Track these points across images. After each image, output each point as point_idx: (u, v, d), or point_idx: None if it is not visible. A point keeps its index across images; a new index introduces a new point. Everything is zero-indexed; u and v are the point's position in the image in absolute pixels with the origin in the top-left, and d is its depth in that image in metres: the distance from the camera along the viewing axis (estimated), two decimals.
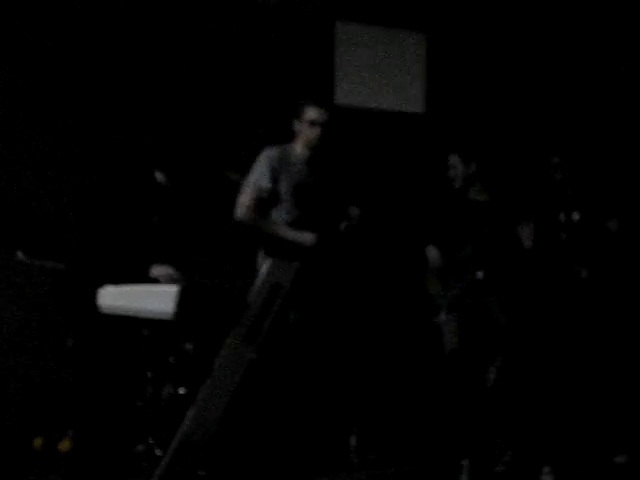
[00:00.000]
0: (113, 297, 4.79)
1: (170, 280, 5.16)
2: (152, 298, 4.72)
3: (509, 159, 7.58)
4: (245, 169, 5.83)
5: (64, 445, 5.78)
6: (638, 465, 6.32)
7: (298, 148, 5.81)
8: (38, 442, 5.87)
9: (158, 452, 5.55)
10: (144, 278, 5.00)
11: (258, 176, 5.66)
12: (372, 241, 7.05)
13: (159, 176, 5.59)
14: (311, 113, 5.77)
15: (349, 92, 7.63)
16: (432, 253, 6.43)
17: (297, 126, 5.80)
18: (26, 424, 5.92)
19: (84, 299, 4.99)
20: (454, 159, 6.45)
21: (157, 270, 5.15)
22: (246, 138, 6.95)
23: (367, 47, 7.75)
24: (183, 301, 4.68)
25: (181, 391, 5.79)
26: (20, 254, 5.66)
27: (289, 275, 5.16)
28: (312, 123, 5.76)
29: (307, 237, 5.64)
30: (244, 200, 5.66)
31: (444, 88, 7.94)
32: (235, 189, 5.79)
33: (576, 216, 6.48)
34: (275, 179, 5.67)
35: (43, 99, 6.53)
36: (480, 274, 6.22)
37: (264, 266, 5.07)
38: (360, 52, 7.71)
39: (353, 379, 6.79)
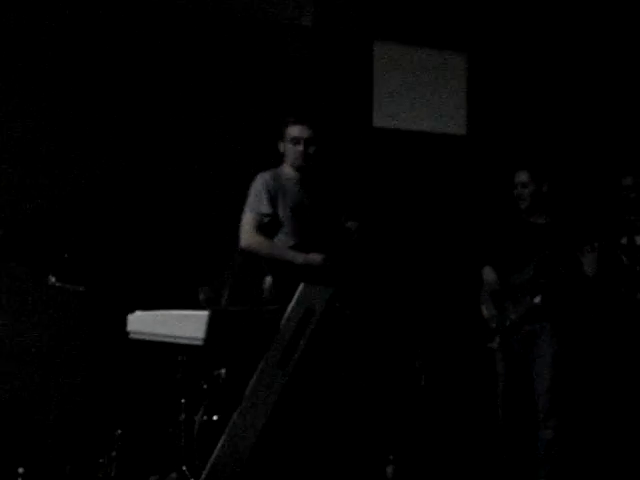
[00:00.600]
0: (142, 322, 4.75)
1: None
2: (182, 323, 4.68)
3: (571, 179, 7.38)
4: None
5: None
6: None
7: (287, 169, 5.73)
8: None
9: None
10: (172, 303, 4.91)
11: (257, 202, 5.58)
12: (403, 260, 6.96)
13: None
14: (292, 131, 5.69)
15: (388, 114, 7.54)
16: (488, 274, 6.20)
17: (281, 147, 5.74)
18: (60, 452, 5.86)
19: (114, 324, 4.93)
20: (524, 176, 6.13)
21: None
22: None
23: (406, 68, 7.66)
24: (213, 326, 4.62)
25: (214, 418, 5.71)
26: (52, 278, 5.61)
27: (322, 300, 5.10)
28: (294, 141, 5.68)
29: (315, 258, 5.54)
30: (247, 228, 5.57)
31: (486, 109, 7.83)
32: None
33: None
34: (273, 203, 5.60)
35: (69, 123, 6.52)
36: (538, 299, 6.02)
37: (297, 291, 5.01)
38: (399, 73, 7.63)
39: (392, 406, 6.70)
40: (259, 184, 5.61)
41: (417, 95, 7.72)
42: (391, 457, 6.37)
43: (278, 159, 5.78)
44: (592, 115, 7.85)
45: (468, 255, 6.43)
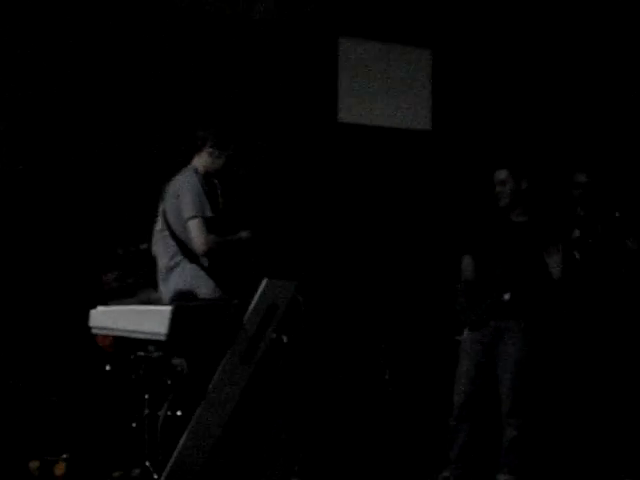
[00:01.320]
0: (104, 317, 4.73)
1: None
2: (144, 318, 4.67)
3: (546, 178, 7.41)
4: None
5: (59, 468, 5.70)
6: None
7: (200, 169, 5.67)
8: (34, 465, 5.78)
9: (155, 476, 5.45)
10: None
11: (200, 207, 5.48)
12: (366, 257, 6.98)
13: None
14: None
15: (352, 109, 7.55)
16: (467, 263, 6.18)
17: (210, 152, 5.67)
18: (22, 447, 5.83)
19: (76, 319, 4.91)
20: (503, 174, 6.10)
21: None
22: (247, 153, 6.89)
23: (371, 63, 7.66)
24: (176, 321, 4.62)
25: (178, 413, 5.69)
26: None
27: (285, 295, 5.10)
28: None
29: (244, 234, 5.56)
30: (200, 232, 5.43)
31: (451, 104, 7.85)
32: None
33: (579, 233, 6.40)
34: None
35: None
36: (507, 296, 6.05)
37: (260, 286, 5.01)
38: (364, 68, 7.63)
39: (356, 400, 6.72)
40: (197, 187, 5.54)
41: (382, 91, 7.72)
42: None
43: None
44: (556, 108, 7.89)
45: (439, 249, 6.46)
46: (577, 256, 6.40)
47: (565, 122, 7.83)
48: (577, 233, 6.30)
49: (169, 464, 4.92)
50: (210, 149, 5.63)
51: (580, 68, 7.86)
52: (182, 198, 5.45)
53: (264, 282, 4.99)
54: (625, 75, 7.85)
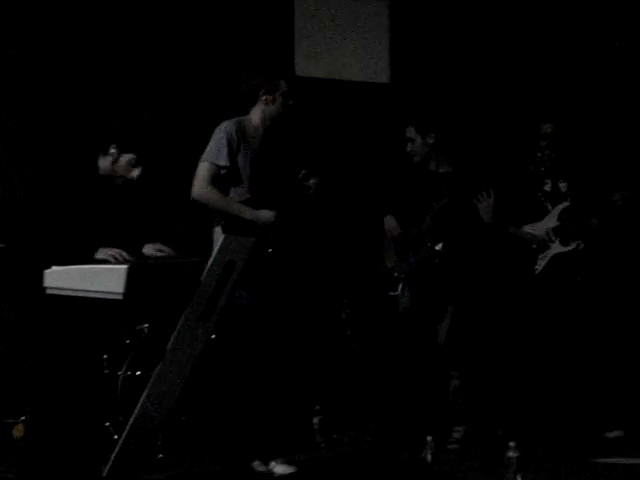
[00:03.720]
0: (60, 277, 4.66)
1: (122, 261, 4.98)
2: (101, 277, 4.60)
3: (473, 129, 7.46)
4: (202, 142, 5.67)
5: (18, 430, 5.65)
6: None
7: (258, 120, 5.65)
8: None
9: (115, 436, 5.41)
10: (89, 260, 4.81)
11: (216, 153, 5.50)
12: (329, 212, 6.94)
13: None
14: (286, 86, 5.66)
15: (309, 63, 7.47)
16: (390, 223, 6.29)
17: (266, 99, 5.63)
18: None
19: (30, 280, 4.81)
20: (411, 132, 6.28)
21: (103, 253, 4.96)
22: (202, 110, 6.80)
23: (328, 15, 7.59)
24: (132, 280, 4.55)
25: (137, 373, 5.65)
26: None
27: (243, 251, 5.04)
28: (287, 96, 5.64)
29: (266, 215, 5.49)
30: (201, 178, 5.49)
31: (409, 57, 7.78)
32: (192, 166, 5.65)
33: (564, 188, 6.45)
34: (233, 155, 5.51)
35: None
36: (439, 246, 6.13)
37: (218, 243, 4.95)
38: (320, 21, 7.55)
39: (313, 357, 6.70)
40: (222, 134, 5.52)
41: (339, 44, 7.65)
42: (317, 407, 6.40)
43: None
44: (513, 60, 7.84)
45: (372, 204, 6.46)
46: (550, 208, 6.52)
47: (525, 71, 7.78)
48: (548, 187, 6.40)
49: (129, 424, 4.88)
50: (264, 97, 5.61)
51: (541, 14, 7.81)
52: None
53: (222, 238, 4.94)
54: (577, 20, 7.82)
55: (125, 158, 5.18)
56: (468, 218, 6.12)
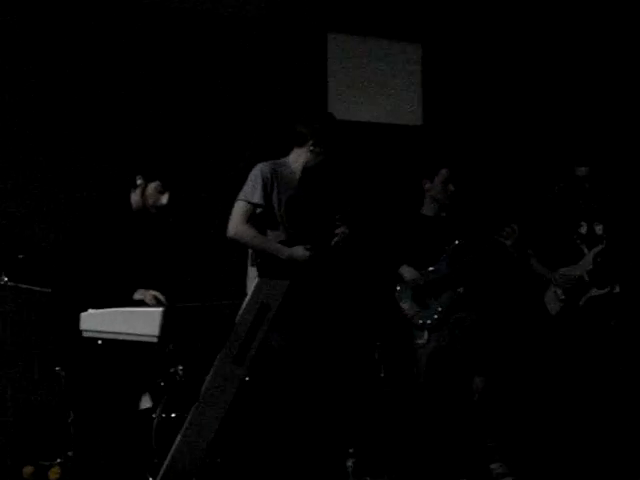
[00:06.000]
0: (95, 320, 4.70)
1: (157, 304, 5.04)
2: (135, 320, 4.63)
3: (504, 170, 7.47)
4: (237, 184, 5.74)
5: (54, 473, 5.66)
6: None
7: (296, 164, 5.71)
8: (29, 470, 5.75)
9: (150, 479, 5.41)
10: (128, 302, 4.87)
11: (251, 192, 5.58)
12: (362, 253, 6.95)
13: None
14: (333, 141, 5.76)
15: (343, 105, 7.50)
16: (408, 272, 6.29)
17: (309, 146, 5.69)
18: (16, 452, 5.79)
19: (68, 323, 4.87)
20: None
21: (141, 294, 5.02)
22: (238, 152, 6.85)
23: (360, 59, 7.64)
24: (167, 322, 4.58)
25: (172, 415, 5.65)
26: (4, 277, 5.55)
27: (277, 294, 5.06)
28: (330, 148, 5.75)
29: (299, 252, 5.53)
30: (237, 217, 5.57)
31: (441, 99, 7.81)
32: (226, 206, 5.71)
33: (600, 231, 6.44)
34: (268, 195, 5.58)
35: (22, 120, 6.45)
36: (461, 289, 6.17)
37: (252, 285, 4.97)
38: (353, 64, 7.60)
39: (346, 400, 6.67)
40: (256, 174, 5.61)
41: (372, 87, 7.69)
42: (351, 450, 6.37)
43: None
44: (546, 102, 7.87)
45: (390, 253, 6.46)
46: (585, 250, 6.45)
47: (557, 116, 7.80)
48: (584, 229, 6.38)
49: (163, 467, 4.89)
50: (312, 147, 5.67)
51: (573, 60, 7.84)
52: None
53: (256, 281, 4.96)
54: (619, 65, 7.83)
55: (152, 186, 5.29)
56: (490, 257, 6.13)
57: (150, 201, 5.35)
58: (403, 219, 6.45)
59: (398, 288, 6.31)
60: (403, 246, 6.33)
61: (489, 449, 6.10)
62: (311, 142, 5.68)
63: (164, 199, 5.33)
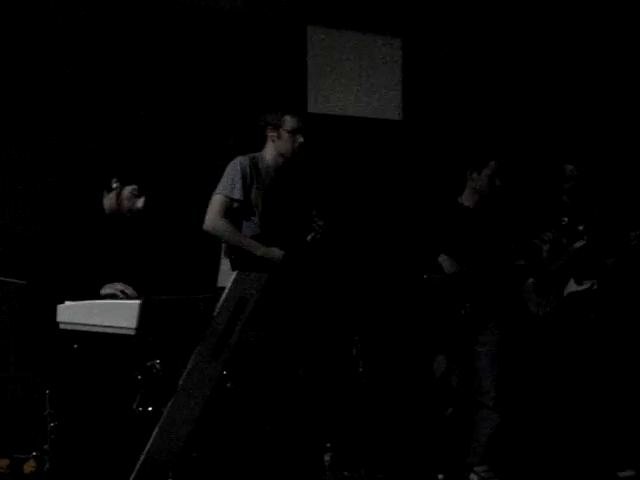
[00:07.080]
0: (72, 312, 4.65)
1: (125, 296, 4.99)
2: (113, 313, 4.59)
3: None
4: (215, 178, 5.72)
5: (29, 466, 5.64)
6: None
7: (269, 157, 5.72)
8: (3, 463, 5.73)
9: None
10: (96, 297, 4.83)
11: (230, 187, 5.58)
12: (339, 248, 6.92)
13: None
14: (292, 121, 5.73)
15: (322, 99, 7.49)
16: (447, 263, 6.15)
17: (272, 135, 5.70)
18: None
19: (44, 315, 4.83)
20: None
21: (108, 287, 4.99)
22: (216, 147, 6.82)
23: (340, 52, 7.62)
24: (145, 315, 4.54)
25: (149, 409, 5.62)
26: None
27: (256, 288, 5.03)
28: (295, 131, 5.71)
29: (275, 253, 5.53)
30: (215, 210, 5.56)
31: (422, 94, 7.80)
32: (203, 199, 5.69)
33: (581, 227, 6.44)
34: (246, 189, 5.57)
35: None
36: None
37: (225, 279, 4.95)
38: (333, 58, 7.58)
39: (324, 394, 6.67)
40: (236, 168, 5.61)
41: (352, 80, 7.67)
42: (328, 445, 6.36)
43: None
44: (528, 98, 7.87)
45: (410, 241, 6.40)
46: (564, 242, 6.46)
47: (541, 111, 7.81)
48: (565, 220, 6.38)
49: (139, 461, 4.85)
50: (269, 132, 5.72)
51: (557, 55, 7.84)
52: None
53: (234, 275, 4.93)
54: (606, 64, 7.84)
55: (127, 190, 5.23)
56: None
57: (125, 205, 5.26)
58: (441, 208, 6.32)
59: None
60: (440, 235, 6.19)
61: (473, 450, 6.08)
62: (268, 128, 5.75)
63: (140, 203, 5.25)
